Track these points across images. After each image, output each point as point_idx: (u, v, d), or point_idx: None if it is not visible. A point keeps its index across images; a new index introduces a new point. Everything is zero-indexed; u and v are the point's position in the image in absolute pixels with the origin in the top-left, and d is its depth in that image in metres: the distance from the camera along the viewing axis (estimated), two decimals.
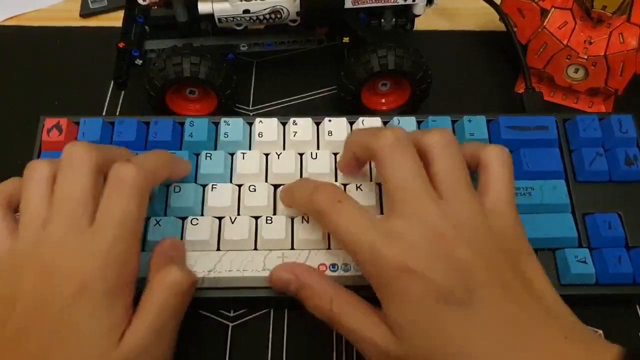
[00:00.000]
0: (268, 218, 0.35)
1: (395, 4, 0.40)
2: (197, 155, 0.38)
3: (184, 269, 0.31)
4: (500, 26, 0.46)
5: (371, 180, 0.37)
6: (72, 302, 0.27)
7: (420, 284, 0.26)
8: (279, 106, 0.46)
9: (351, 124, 0.40)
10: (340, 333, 0.30)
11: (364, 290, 0.30)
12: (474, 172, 0.31)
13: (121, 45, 0.42)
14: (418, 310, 0.27)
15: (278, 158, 0.38)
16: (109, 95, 0.46)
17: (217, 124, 0.39)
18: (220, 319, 0.36)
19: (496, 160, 0.30)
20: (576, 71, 0.44)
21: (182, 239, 0.35)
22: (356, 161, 0.34)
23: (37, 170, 0.30)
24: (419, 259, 0.27)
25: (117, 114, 0.45)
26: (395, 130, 0.30)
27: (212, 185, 0.37)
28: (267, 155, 0.38)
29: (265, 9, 0.39)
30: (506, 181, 0.30)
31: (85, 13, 0.51)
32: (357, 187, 0.36)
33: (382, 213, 0.36)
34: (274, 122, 0.39)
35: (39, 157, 0.38)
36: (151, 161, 0.32)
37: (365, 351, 0.29)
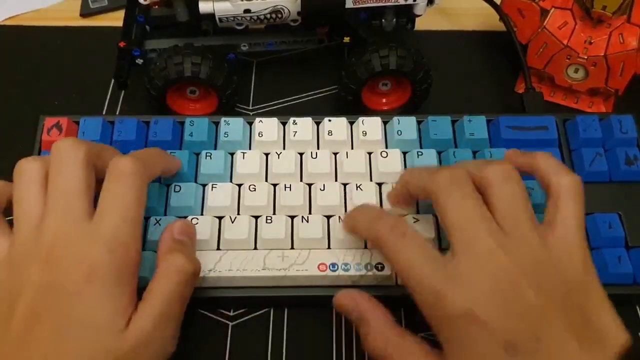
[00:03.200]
0: (268, 218, 0.35)
1: (396, 3, 0.40)
2: (197, 154, 0.38)
3: (189, 256, 0.31)
4: (501, 26, 0.46)
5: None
6: (81, 289, 0.27)
7: (487, 333, 0.25)
8: (279, 106, 0.46)
9: (351, 123, 0.40)
10: None
11: (370, 290, 0.30)
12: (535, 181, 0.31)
13: (122, 44, 0.42)
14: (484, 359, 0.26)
15: (278, 158, 0.38)
16: (109, 95, 0.46)
17: (217, 124, 0.39)
18: (220, 319, 0.36)
19: (569, 193, 0.29)
20: (576, 71, 0.44)
21: None
22: (410, 198, 0.34)
23: (28, 169, 0.30)
24: (485, 305, 0.26)
25: (117, 113, 0.45)
26: (452, 168, 0.30)
27: (212, 184, 0.37)
28: (267, 155, 0.38)
29: (266, 9, 0.39)
30: (577, 218, 0.29)
31: (86, 13, 0.51)
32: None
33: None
34: (274, 121, 0.39)
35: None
36: (146, 155, 0.33)
37: None
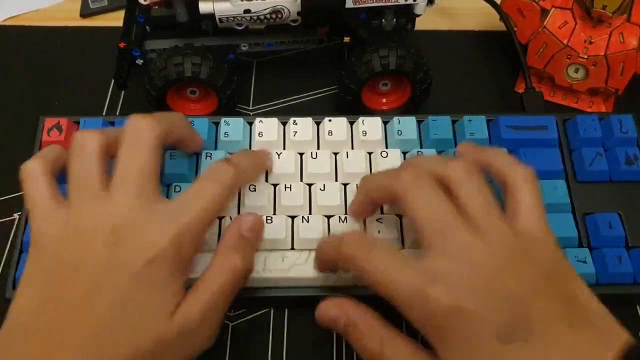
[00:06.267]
0: (268, 218, 0.35)
1: (396, 3, 0.40)
2: (198, 155, 0.38)
3: (247, 258, 0.31)
4: (501, 26, 0.46)
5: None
6: (142, 271, 0.27)
7: (478, 323, 0.25)
8: (279, 106, 0.46)
9: (351, 123, 0.40)
10: None
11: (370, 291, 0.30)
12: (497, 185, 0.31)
13: (122, 45, 0.42)
14: (480, 351, 0.25)
15: (278, 158, 0.38)
16: (109, 95, 0.46)
17: (217, 124, 0.39)
18: None
19: (524, 184, 0.30)
20: (576, 71, 0.44)
21: None
22: (372, 205, 0.34)
23: (91, 140, 0.30)
24: (470, 297, 0.26)
25: (117, 114, 0.45)
26: (413, 167, 0.30)
27: None
28: None
29: (266, 9, 0.39)
30: (537, 206, 0.29)
31: (85, 13, 0.51)
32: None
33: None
34: (274, 122, 0.39)
35: None
36: (248, 163, 0.34)
37: None
